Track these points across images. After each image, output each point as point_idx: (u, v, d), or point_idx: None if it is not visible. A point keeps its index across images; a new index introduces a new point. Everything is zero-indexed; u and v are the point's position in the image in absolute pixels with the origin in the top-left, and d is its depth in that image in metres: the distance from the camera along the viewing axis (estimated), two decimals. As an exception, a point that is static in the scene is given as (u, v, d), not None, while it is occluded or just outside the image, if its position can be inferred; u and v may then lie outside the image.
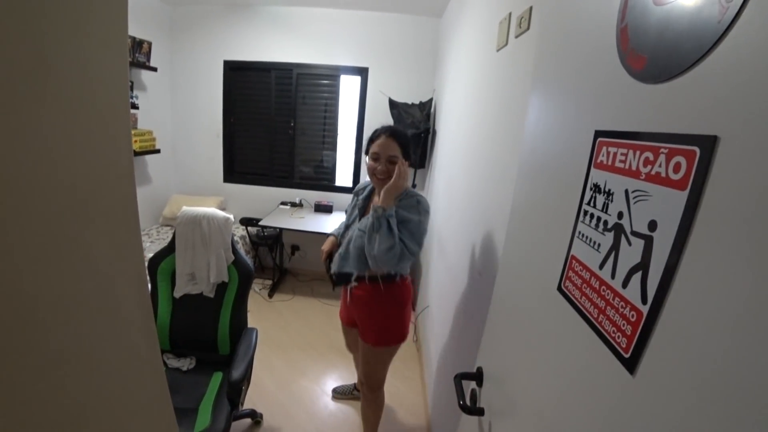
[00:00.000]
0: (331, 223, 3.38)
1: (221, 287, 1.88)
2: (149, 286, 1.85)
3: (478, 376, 0.99)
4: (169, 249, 1.86)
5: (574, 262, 0.59)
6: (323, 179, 3.91)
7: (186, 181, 3.90)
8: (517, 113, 1.18)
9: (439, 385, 2.02)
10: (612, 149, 0.52)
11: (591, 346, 0.52)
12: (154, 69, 3.21)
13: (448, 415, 1.66)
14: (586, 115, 0.61)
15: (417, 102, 3.39)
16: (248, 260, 1.92)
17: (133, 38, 2.90)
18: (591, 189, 0.56)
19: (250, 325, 1.92)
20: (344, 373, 2.51)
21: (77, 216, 0.53)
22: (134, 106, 3.08)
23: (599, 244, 0.53)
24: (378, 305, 1.56)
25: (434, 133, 3.19)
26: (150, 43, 3.09)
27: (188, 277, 1.84)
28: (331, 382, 2.44)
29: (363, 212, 1.61)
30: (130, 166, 0.64)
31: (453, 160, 2.27)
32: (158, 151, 3.34)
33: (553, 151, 0.73)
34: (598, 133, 0.56)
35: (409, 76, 3.54)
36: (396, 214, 1.40)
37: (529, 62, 1.09)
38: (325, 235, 3.10)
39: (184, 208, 1.87)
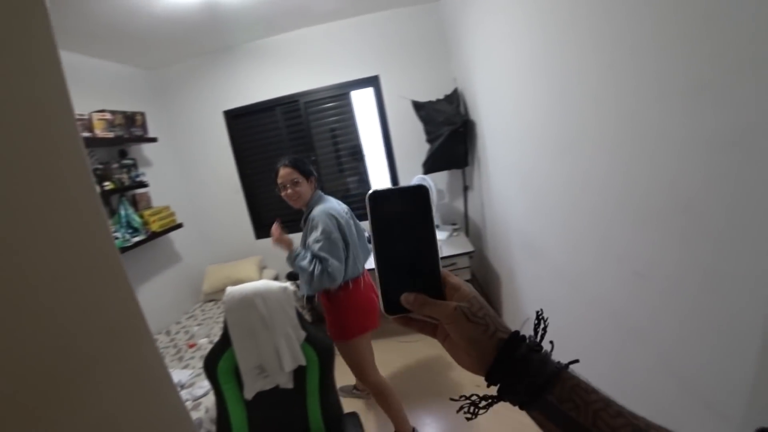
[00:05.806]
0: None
1: (300, 373, 1.50)
2: (213, 393, 1.49)
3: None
4: (224, 342, 1.50)
5: None
6: (362, 205, 3.54)
7: (218, 249, 3.57)
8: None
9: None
10: None
11: None
12: (154, 140, 2.94)
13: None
14: None
15: (441, 97, 3.01)
16: (322, 332, 1.54)
17: (124, 113, 2.64)
18: None
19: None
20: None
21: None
22: (143, 185, 2.80)
23: None
24: (327, 310, 1.92)
25: (473, 124, 2.78)
26: (143, 114, 2.83)
27: (256, 371, 1.47)
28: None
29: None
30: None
31: (528, 146, 1.84)
32: (181, 226, 3.05)
33: None
34: None
35: (424, 72, 3.17)
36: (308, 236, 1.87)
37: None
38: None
39: (229, 289, 1.51)
